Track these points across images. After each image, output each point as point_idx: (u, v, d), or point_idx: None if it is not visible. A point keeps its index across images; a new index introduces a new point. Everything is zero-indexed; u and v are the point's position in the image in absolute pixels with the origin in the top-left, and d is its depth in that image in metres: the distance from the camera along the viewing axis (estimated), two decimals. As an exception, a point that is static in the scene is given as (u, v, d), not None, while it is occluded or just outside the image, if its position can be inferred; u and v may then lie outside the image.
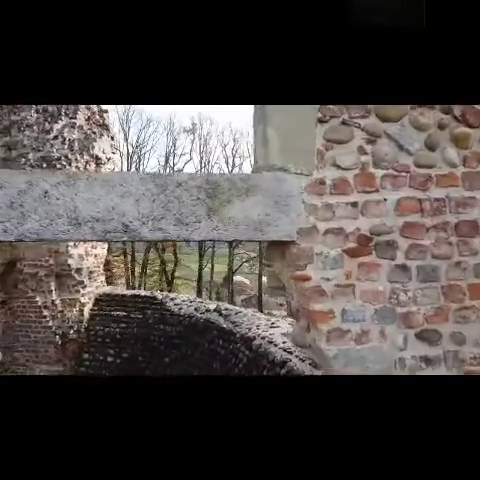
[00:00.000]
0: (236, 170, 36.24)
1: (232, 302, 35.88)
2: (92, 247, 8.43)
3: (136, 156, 35.68)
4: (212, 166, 36.64)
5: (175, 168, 35.39)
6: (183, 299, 8.27)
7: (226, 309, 7.32)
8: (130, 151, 35.77)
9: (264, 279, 38.26)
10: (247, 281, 48.36)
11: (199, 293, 35.35)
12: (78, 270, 7.97)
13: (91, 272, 8.27)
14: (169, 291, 33.74)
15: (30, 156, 8.08)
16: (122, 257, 34.58)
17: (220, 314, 7.29)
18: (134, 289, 35.21)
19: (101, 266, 8.78)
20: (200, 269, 34.62)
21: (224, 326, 6.59)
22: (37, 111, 8.33)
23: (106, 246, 8.97)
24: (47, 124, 8.30)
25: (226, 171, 36.69)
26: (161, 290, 35.21)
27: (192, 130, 34.67)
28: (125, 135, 36.12)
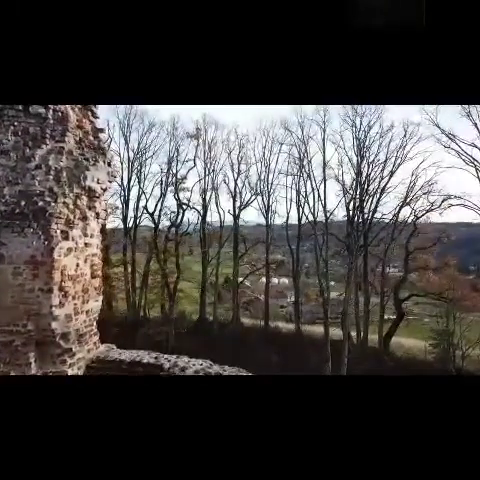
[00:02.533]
0: (242, 177, 34.60)
1: (236, 308, 34.37)
2: (84, 302, 6.79)
3: (137, 162, 34.07)
4: (217, 173, 35.04)
5: (178, 175, 33.80)
6: (195, 368, 6.62)
7: (253, 394, 5.69)
8: (131, 157, 34.17)
9: (268, 281, 36.83)
10: (248, 283, 46.88)
11: (202, 305, 33.80)
12: (64, 335, 6.33)
13: (81, 335, 6.63)
14: (171, 306, 32.08)
15: (6, 191, 6.44)
16: (122, 269, 32.89)
17: (245, 400, 5.68)
18: (134, 309, 33.51)
19: (94, 323, 7.13)
20: (203, 282, 33.01)
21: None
22: (15, 133, 6.66)
23: (100, 298, 7.32)
24: (28, 150, 6.64)
25: (231, 177, 34.99)
26: (162, 305, 33.68)
27: (196, 135, 33.07)
28: (126, 140, 34.49)
